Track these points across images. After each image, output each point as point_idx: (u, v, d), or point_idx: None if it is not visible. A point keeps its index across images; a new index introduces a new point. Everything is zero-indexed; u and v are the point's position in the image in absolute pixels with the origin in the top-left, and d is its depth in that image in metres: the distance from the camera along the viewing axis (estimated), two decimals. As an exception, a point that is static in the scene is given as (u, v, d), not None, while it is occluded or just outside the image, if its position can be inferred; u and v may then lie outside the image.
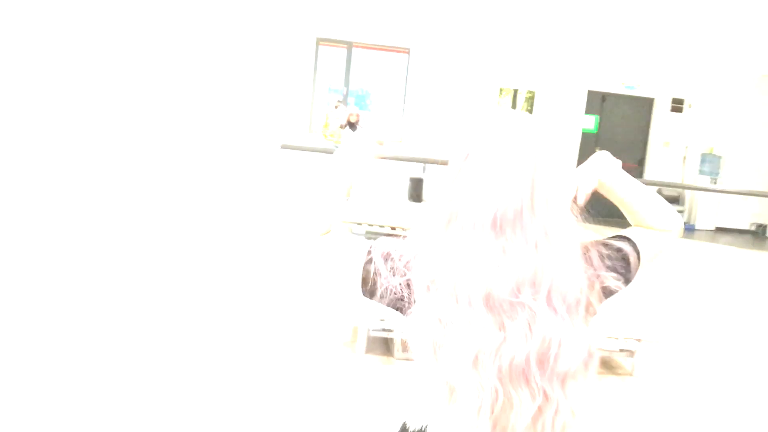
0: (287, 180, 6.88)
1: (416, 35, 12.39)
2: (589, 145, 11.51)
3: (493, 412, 1.09)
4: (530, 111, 11.68)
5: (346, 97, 13.03)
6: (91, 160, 5.33)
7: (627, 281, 1.28)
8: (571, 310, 1.14)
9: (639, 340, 4.18)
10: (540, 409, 1.10)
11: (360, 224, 7.14)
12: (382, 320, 3.99)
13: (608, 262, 1.26)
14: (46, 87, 5.10)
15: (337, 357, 4.03)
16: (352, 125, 10.32)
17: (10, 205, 5.03)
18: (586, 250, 1.25)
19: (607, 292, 1.25)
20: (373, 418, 3.29)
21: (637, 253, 1.30)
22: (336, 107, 11.61)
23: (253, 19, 5.78)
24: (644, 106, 11.58)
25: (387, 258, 1.23)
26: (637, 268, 1.29)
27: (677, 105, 11.56)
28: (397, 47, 13.43)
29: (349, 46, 13.08)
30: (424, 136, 12.53)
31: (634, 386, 4.10)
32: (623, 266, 1.27)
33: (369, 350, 4.10)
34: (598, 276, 1.23)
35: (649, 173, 11.63)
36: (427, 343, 1.14)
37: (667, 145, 11.62)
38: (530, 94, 11.59)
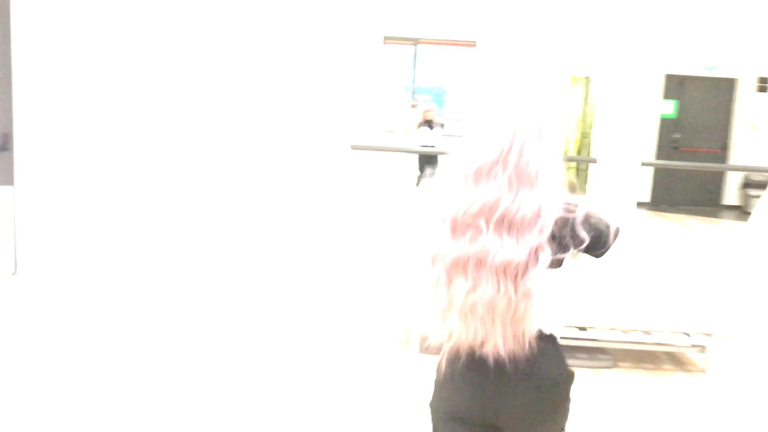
0: (358, 180, 6.88)
1: (483, 27, 12.16)
2: (668, 131, 11.02)
3: (447, 288, 1.65)
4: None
5: (413, 94, 12.96)
6: (164, 160, 5.48)
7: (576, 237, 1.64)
8: (519, 232, 1.61)
9: (709, 335, 3.93)
10: (474, 288, 1.62)
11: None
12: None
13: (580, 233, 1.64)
14: (117, 85, 5.31)
15: (391, 356, 3.97)
16: (429, 123, 9.93)
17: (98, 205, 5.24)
18: (570, 206, 1.64)
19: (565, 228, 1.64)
20: (426, 418, 3.21)
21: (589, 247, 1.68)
22: (414, 105, 11.50)
23: (317, 21, 5.79)
24: (726, 87, 10.99)
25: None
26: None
27: (763, 84, 10.91)
28: (463, 41, 13.26)
29: (415, 42, 13.01)
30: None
31: (707, 384, 3.85)
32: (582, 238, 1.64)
33: (423, 350, 4.02)
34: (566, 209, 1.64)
35: (734, 158, 11.04)
36: (424, 248, 1.71)
37: (754, 128, 10.98)
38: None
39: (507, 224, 1.60)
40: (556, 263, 1.64)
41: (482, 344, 1.63)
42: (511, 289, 1.60)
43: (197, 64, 5.38)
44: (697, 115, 10.99)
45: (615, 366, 4.00)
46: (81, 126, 5.13)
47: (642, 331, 3.91)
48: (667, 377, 3.91)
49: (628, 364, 4.04)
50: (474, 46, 13.23)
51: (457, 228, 1.63)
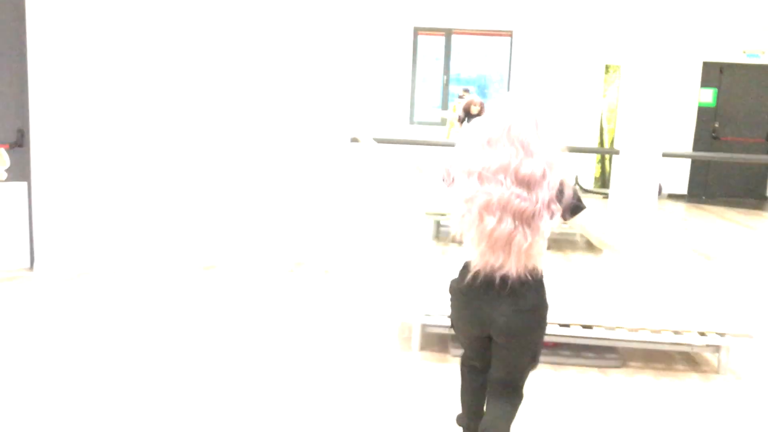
0: (359, 172, 6.83)
1: (518, 16, 11.93)
2: (707, 121, 10.66)
3: (479, 223, 2.22)
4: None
5: (446, 85, 12.80)
6: (176, 154, 5.54)
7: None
8: (525, 185, 2.19)
9: (722, 335, 3.74)
10: (498, 224, 2.18)
11: (444, 215, 6.95)
12: (436, 316, 3.82)
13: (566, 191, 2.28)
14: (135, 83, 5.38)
15: (392, 353, 3.90)
16: (474, 117, 9.21)
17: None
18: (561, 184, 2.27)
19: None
20: (425, 416, 3.14)
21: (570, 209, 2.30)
22: (461, 96, 11.27)
23: (350, 13, 5.77)
24: (771, 74, 10.57)
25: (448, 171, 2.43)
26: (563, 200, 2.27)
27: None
28: (498, 31, 13.03)
29: (448, 33, 12.84)
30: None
31: (721, 385, 3.68)
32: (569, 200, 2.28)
33: (424, 347, 3.94)
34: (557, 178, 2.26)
35: (779, 148, 10.63)
36: (458, 193, 2.29)
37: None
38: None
39: (519, 180, 2.20)
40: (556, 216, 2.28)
41: (500, 268, 2.21)
42: (527, 230, 2.19)
43: (222, 59, 5.39)
44: (739, 103, 10.59)
45: (624, 365, 3.85)
46: (95, 123, 5.18)
47: (651, 330, 3.75)
48: (679, 379, 3.75)
49: (638, 364, 3.89)
50: (510, 35, 13.00)
51: (483, 180, 2.22)
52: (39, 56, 5.02)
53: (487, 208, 2.19)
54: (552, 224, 2.22)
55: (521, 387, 2.44)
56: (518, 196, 2.17)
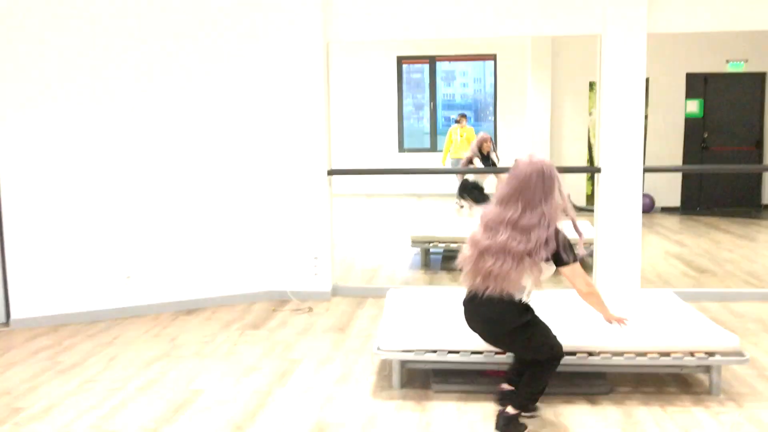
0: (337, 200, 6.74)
1: (500, 39, 11.94)
2: (695, 131, 10.58)
3: (477, 262, 3.08)
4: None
5: (433, 111, 12.78)
6: (156, 192, 5.47)
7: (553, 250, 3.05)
8: (522, 231, 2.97)
9: (712, 354, 3.60)
10: (492, 266, 3.00)
11: (431, 242, 6.85)
12: (417, 352, 3.69)
13: (554, 244, 3.03)
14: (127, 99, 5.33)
15: (371, 391, 3.77)
16: (486, 157, 8.69)
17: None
18: (556, 230, 3.05)
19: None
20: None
21: (556, 258, 3.06)
22: (458, 121, 11.23)
23: (337, 47, 5.77)
24: (755, 82, 10.49)
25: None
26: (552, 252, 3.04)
27: (794, 76, 10.40)
28: (481, 54, 13.05)
29: (432, 60, 12.85)
30: (516, 141, 12.04)
31: (713, 407, 3.54)
32: (555, 247, 3.04)
33: (405, 384, 3.81)
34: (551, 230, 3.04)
35: (770, 155, 10.53)
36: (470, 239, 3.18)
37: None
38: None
39: (517, 228, 2.97)
40: (548, 259, 3.03)
41: (486, 289, 3.04)
42: (516, 265, 2.98)
43: (202, 93, 5.34)
44: (726, 113, 10.51)
45: (613, 391, 3.72)
46: (65, 174, 5.10)
47: (637, 353, 3.61)
48: (669, 402, 3.60)
49: (627, 389, 3.76)
50: (493, 59, 13.02)
51: (487, 228, 3.05)
52: (4, 109, 4.97)
53: (487, 250, 3.01)
54: (548, 268, 3.06)
55: (537, 359, 3.15)
56: (514, 239, 2.96)
